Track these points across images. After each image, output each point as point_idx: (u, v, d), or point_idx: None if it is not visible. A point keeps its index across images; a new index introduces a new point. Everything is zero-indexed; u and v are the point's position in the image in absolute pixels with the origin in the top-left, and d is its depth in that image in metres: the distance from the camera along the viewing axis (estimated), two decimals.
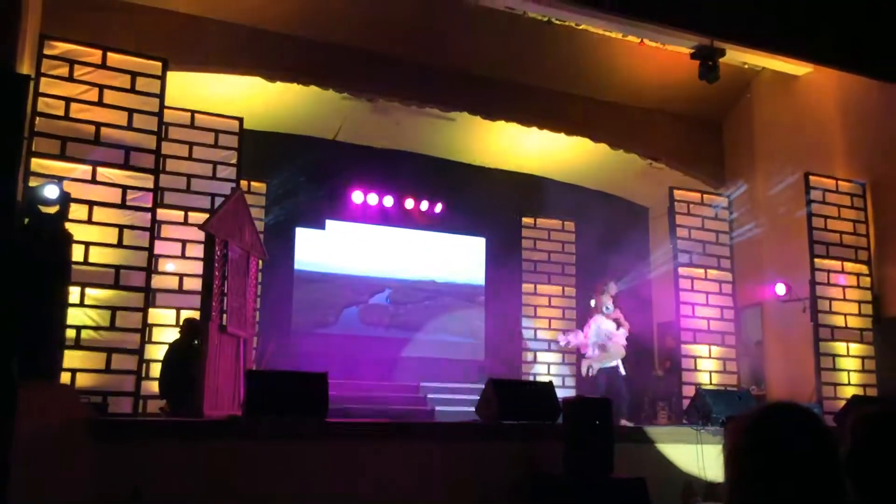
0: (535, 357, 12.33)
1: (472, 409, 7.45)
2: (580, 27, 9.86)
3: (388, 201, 12.74)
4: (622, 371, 9.95)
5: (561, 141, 11.80)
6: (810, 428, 1.59)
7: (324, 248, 12.47)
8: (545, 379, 9.92)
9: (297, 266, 12.15)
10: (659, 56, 10.59)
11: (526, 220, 12.86)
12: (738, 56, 10.44)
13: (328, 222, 12.60)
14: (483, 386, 7.39)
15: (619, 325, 10.13)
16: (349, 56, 10.22)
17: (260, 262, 9.02)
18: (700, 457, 7.07)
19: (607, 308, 10.22)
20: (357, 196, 12.54)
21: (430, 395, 10.96)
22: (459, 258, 13.37)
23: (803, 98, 11.23)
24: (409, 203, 12.88)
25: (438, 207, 13.02)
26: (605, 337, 9.97)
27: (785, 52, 10.01)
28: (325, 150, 11.68)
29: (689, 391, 10.11)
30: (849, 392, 9.58)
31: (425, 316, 12.80)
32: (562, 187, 12.99)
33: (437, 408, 10.35)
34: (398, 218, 12.86)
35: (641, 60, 10.82)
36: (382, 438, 6.40)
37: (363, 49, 10.25)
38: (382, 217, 12.76)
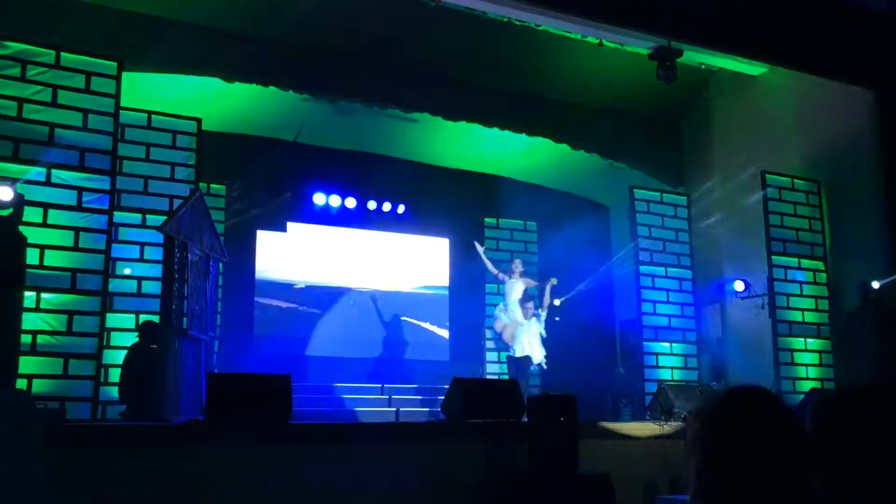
0: (498, 356, 12.35)
1: (438, 409, 7.43)
2: (540, 28, 9.92)
3: (351, 203, 12.65)
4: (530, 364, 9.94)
5: (522, 142, 11.86)
6: (773, 409, 1.60)
7: (285, 251, 12.36)
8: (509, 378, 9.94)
9: (258, 268, 12.03)
10: (618, 57, 10.69)
11: (488, 221, 12.88)
12: (695, 56, 10.58)
13: (289, 224, 12.48)
14: (448, 386, 7.38)
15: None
16: (309, 57, 10.16)
17: (220, 264, 8.91)
18: (663, 451, 7.14)
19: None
20: (319, 198, 12.44)
21: (394, 397, 10.91)
22: (423, 259, 13.35)
23: (759, 98, 11.42)
24: (372, 204, 12.81)
25: (401, 209, 12.96)
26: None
27: (741, 52, 10.18)
28: (285, 152, 11.58)
29: (651, 387, 10.21)
30: (807, 386, 9.76)
31: (388, 318, 12.75)
32: (524, 187, 13.04)
33: (402, 408, 10.31)
34: (361, 219, 12.79)
35: (600, 61, 10.91)
36: (347, 439, 6.37)
37: (324, 50, 10.20)
38: (345, 219, 12.68)
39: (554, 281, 10.51)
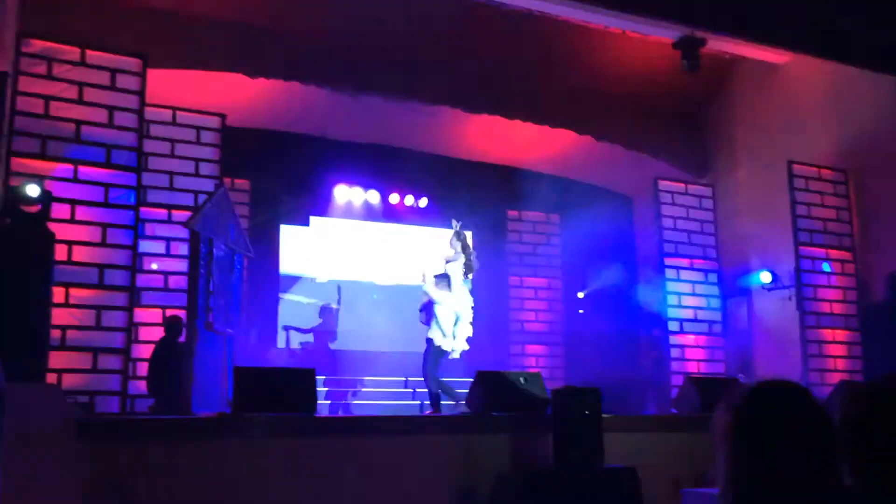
0: (522, 349, 12.34)
1: (462, 402, 7.44)
2: (561, 18, 9.86)
3: (373, 196, 12.69)
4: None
5: (545, 133, 11.81)
6: (801, 401, 1.59)
7: (308, 245, 12.41)
8: (534, 370, 9.93)
9: (281, 263, 12.10)
10: (641, 47, 10.61)
11: (511, 213, 12.86)
12: (719, 46, 10.47)
13: (312, 219, 12.54)
14: (472, 379, 7.38)
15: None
16: (331, 51, 10.18)
17: (245, 259, 8.97)
18: (689, 444, 7.09)
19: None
20: (341, 192, 12.49)
21: (418, 390, 10.95)
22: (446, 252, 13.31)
23: (785, 86, 11.29)
24: (394, 198, 12.84)
25: (424, 202, 12.98)
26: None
27: (766, 41, 10.04)
28: (308, 147, 11.62)
29: (677, 380, 10.15)
30: (836, 378, 9.65)
31: (412, 311, 12.76)
32: (546, 179, 12.99)
33: (426, 401, 10.32)
34: (383, 213, 12.82)
35: (624, 51, 10.84)
36: (372, 432, 6.39)
37: (345, 44, 10.20)
38: (367, 212, 12.71)
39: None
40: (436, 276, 8.72)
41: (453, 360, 8.66)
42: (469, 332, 8.75)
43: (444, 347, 8.40)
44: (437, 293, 8.55)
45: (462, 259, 8.73)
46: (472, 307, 8.72)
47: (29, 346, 5.80)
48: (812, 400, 1.62)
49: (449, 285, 8.63)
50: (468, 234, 9.61)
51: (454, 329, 8.52)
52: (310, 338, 11.83)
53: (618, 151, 12.16)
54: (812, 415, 1.58)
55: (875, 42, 8.39)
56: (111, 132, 7.45)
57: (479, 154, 12.84)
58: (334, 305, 12.01)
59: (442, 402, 8.27)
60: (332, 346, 11.84)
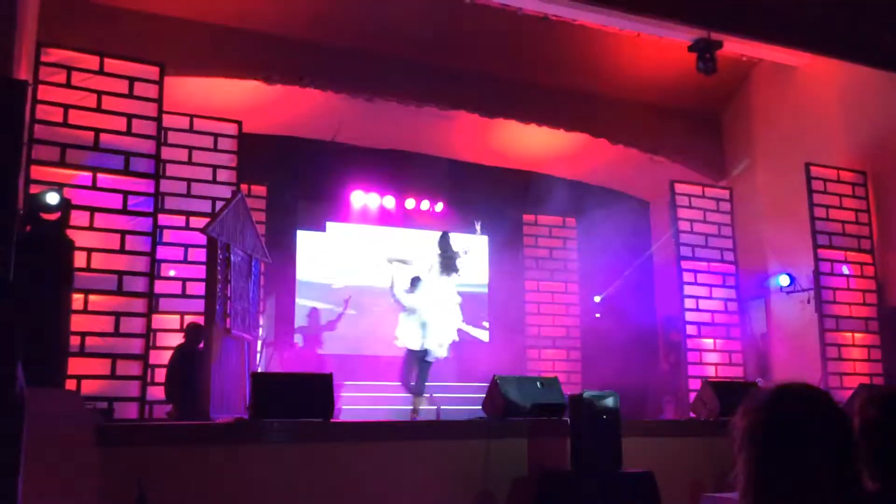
0: (539, 354, 12.32)
1: (479, 407, 7.43)
2: (577, 23, 9.86)
3: (389, 202, 12.72)
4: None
5: (560, 137, 11.80)
6: (821, 405, 1.58)
7: (325, 251, 12.45)
8: (551, 374, 9.90)
9: (298, 268, 12.14)
10: (656, 50, 10.59)
11: (527, 218, 12.85)
12: (735, 48, 10.43)
13: (329, 224, 12.58)
14: (488, 384, 7.37)
15: None
16: (346, 57, 10.22)
17: (262, 264, 9.01)
18: (708, 448, 7.05)
19: None
20: (357, 197, 12.53)
21: (434, 395, 10.94)
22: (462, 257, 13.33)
23: (802, 88, 11.22)
24: (410, 203, 12.86)
25: (440, 206, 13.00)
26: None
27: (783, 42, 9.99)
28: (323, 152, 11.67)
29: (695, 384, 10.09)
30: (855, 381, 9.55)
31: None
32: (562, 184, 12.98)
33: (443, 406, 10.33)
34: (399, 218, 12.85)
35: (639, 54, 10.81)
36: (389, 438, 6.39)
37: (360, 50, 10.25)
38: (383, 218, 12.74)
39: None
40: (412, 280, 8.75)
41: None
42: (447, 336, 8.65)
43: (414, 349, 8.40)
44: (405, 298, 8.58)
45: (437, 260, 8.72)
46: (459, 305, 8.60)
47: (48, 352, 5.86)
48: (832, 403, 1.61)
49: (417, 288, 8.64)
50: (454, 236, 9.72)
51: (423, 333, 8.50)
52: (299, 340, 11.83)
53: (633, 155, 12.12)
54: (832, 418, 1.57)
55: (893, 43, 8.33)
56: (129, 140, 7.52)
57: (494, 158, 12.84)
58: (326, 306, 11.98)
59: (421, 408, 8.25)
60: (350, 350, 11.86)
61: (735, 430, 1.65)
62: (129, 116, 7.56)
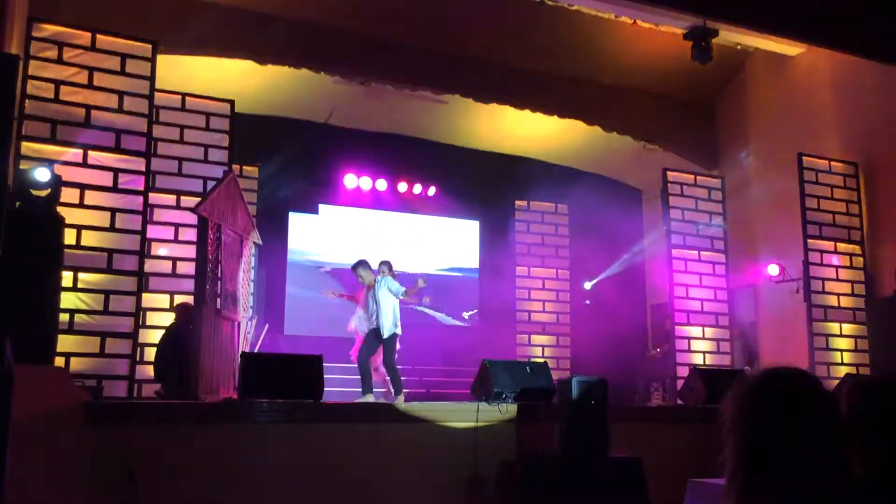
0: (529, 339, 12.34)
1: (468, 391, 7.46)
2: (573, 8, 9.82)
3: (382, 185, 12.71)
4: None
5: (554, 123, 11.78)
6: (810, 389, 1.59)
7: (317, 233, 12.42)
8: (540, 360, 9.93)
9: (290, 250, 12.12)
10: (652, 37, 10.57)
11: (519, 203, 12.83)
12: (730, 37, 10.42)
13: (321, 206, 12.56)
14: (478, 368, 7.39)
15: None
16: (341, 39, 10.16)
17: (254, 245, 8.98)
18: (695, 433, 7.10)
19: None
20: (350, 180, 12.50)
21: (424, 378, 10.98)
22: (453, 241, 13.36)
23: (796, 79, 11.23)
24: (403, 186, 12.86)
25: (432, 191, 13.00)
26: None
27: (778, 32, 9.98)
28: (317, 134, 11.63)
29: (683, 372, 10.14)
30: (842, 371, 9.63)
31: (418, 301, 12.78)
32: (555, 170, 12.98)
33: (432, 390, 10.37)
34: (392, 202, 12.84)
35: (634, 42, 10.79)
36: (377, 419, 6.42)
37: (355, 32, 10.19)
38: (376, 201, 12.73)
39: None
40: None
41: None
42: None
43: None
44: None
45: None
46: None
47: (38, 328, 5.84)
48: (821, 387, 1.62)
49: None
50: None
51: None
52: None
53: (627, 142, 12.12)
54: (821, 402, 1.58)
55: (888, 33, 8.33)
56: (121, 117, 7.46)
57: (487, 143, 12.83)
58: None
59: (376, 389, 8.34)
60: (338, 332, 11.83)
61: (724, 413, 1.66)
62: (121, 94, 7.50)
